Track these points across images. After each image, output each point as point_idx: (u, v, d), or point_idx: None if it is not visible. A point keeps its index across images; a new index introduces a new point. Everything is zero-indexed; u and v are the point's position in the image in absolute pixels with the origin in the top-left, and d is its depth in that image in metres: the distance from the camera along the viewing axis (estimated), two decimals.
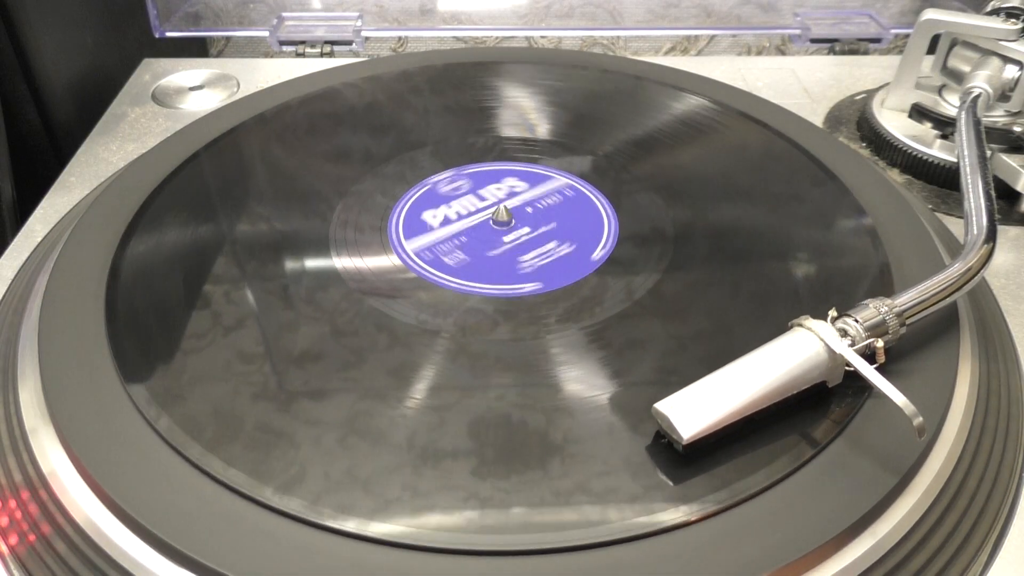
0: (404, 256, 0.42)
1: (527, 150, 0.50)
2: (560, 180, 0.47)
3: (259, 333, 0.37)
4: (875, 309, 0.33)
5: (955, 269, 0.36)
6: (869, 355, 0.33)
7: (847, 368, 0.33)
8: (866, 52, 0.69)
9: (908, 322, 0.34)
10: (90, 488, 0.31)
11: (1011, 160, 0.48)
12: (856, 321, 0.33)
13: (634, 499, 0.30)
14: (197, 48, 0.86)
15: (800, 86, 0.63)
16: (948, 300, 0.35)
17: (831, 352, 0.32)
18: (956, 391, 0.35)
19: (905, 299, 0.34)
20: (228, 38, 0.91)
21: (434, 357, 0.36)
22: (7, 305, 0.42)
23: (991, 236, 0.38)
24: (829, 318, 0.33)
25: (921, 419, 0.30)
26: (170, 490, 0.30)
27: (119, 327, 0.37)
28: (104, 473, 0.31)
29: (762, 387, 0.32)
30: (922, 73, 0.55)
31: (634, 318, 0.38)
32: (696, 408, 0.31)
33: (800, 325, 0.33)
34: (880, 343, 0.33)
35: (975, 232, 0.39)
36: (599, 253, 0.42)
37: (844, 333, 0.33)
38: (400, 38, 0.92)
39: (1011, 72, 0.50)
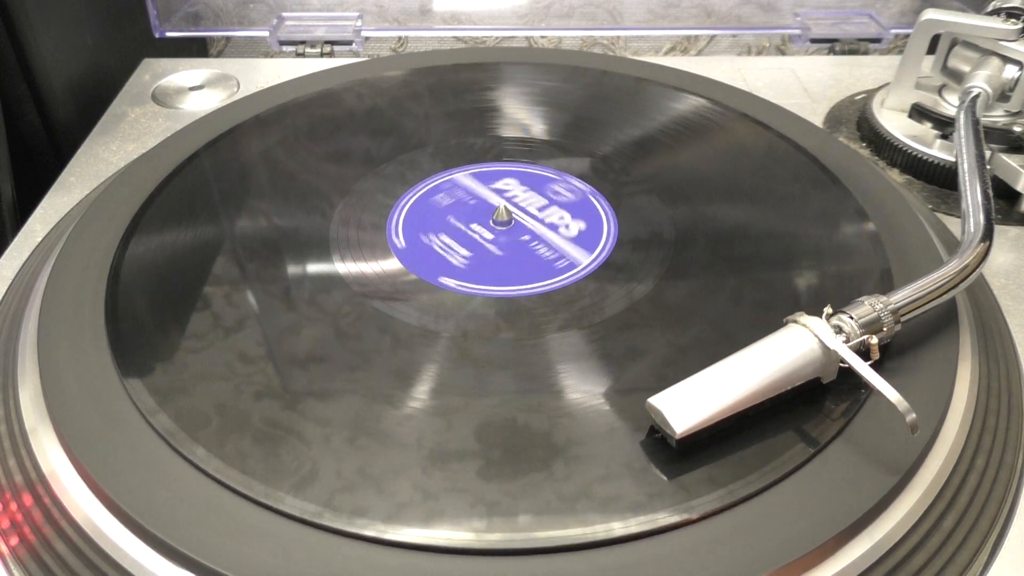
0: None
1: (526, 151, 0.50)
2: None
3: (260, 334, 0.37)
4: (870, 306, 0.34)
5: (951, 267, 0.36)
6: (864, 352, 0.33)
7: (841, 365, 0.33)
8: (866, 52, 0.69)
9: (904, 319, 0.34)
10: (90, 488, 0.32)
11: (1011, 160, 0.48)
12: (851, 318, 0.33)
13: (635, 499, 0.30)
14: (197, 48, 0.86)
15: (800, 86, 0.63)
16: (944, 297, 0.35)
17: (825, 348, 0.32)
18: (956, 390, 0.35)
19: (900, 296, 0.34)
20: (228, 38, 0.91)
21: (435, 359, 0.36)
22: (7, 305, 0.42)
23: (988, 234, 0.38)
24: (824, 314, 0.33)
25: (914, 416, 0.30)
26: (170, 490, 0.31)
27: (119, 327, 0.37)
28: (104, 473, 0.31)
29: (756, 383, 0.32)
30: (922, 73, 0.55)
31: (636, 320, 0.38)
32: (689, 403, 0.31)
33: (795, 321, 0.33)
34: (875, 340, 0.33)
35: (972, 230, 0.39)
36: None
37: (839, 330, 0.33)
38: (400, 38, 0.92)
39: (1011, 72, 0.50)
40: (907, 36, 0.56)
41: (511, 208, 0.45)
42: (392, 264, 0.42)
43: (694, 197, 0.46)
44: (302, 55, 0.69)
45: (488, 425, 0.33)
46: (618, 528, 0.29)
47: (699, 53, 0.94)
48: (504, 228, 0.44)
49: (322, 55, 0.69)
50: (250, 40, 0.92)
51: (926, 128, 0.53)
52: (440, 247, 0.42)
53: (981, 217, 0.39)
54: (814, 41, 0.70)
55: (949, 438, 0.33)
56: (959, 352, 0.36)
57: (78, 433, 0.33)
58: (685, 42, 0.94)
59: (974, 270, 0.36)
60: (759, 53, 0.95)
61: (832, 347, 0.32)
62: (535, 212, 0.45)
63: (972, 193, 0.41)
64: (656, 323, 0.38)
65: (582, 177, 0.48)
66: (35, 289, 0.41)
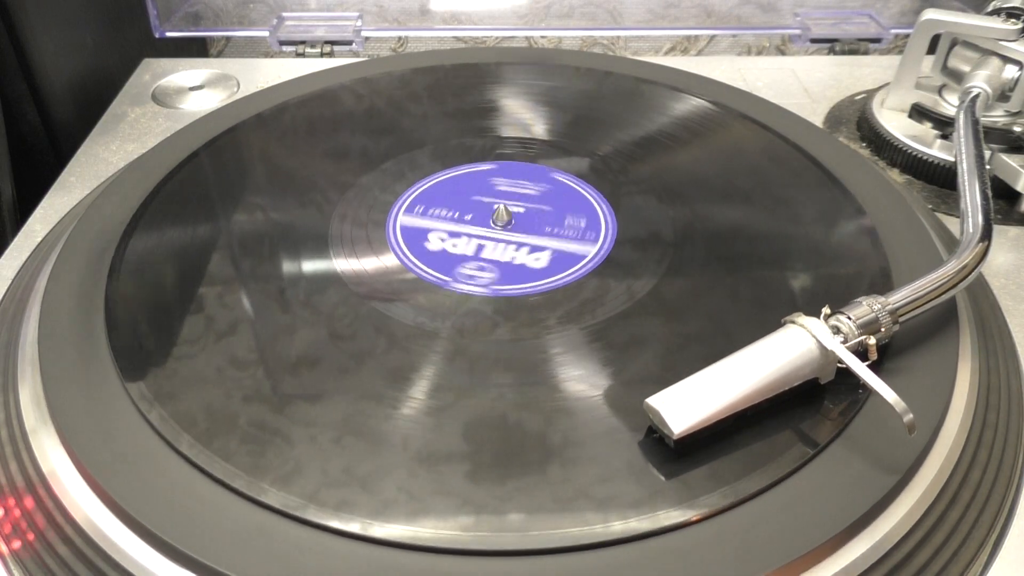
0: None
1: (526, 150, 0.50)
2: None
3: (260, 334, 0.37)
4: (868, 307, 0.34)
5: (950, 267, 0.36)
6: (862, 352, 0.33)
7: (839, 365, 0.33)
8: (866, 52, 0.69)
9: (902, 320, 0.34)
10: (90, 488, 0.32)
11: (1011, 160, 0.48)
12: (849, 318, 0.33)
13: (634, 499, 0.30)
14: (197, 48, 0.86)
15: (800, 86, 0.63)
16: (942, 298, 0.35)
17: (823, 349, 0.32)
18: (956, 390, 0.35)
19: (899, 297, 0.34)
20: (228, 38, 0.91)
21: (433, 358, 0.36)
22: (7, 305, 0.42)
23: (987, 234, 0.38)
24: (822, 315, 0.33)
25: (911, 416, 0.30)
26: (170, 490, 0.31)
27: (119, 327, 0.37)
28: (104, 473, 0.31)
29: (753, 383, 0.32)
30: (922, 73, 0.55)
31: (634, 319, 0.38)
32: (687, 403, 0.31)
33: (793, 322, 0.33)
34: (873, 340, 0.33)
35: (970, 230, 0.39)
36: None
37: (837, 330, 0.33)
38: (400, 38, 0.92)
39: (1011, 72, 0.50)
40: (907, 36, 0.56)
41: (511, 208, 0.45)
42: (391, 262, 0.42)
43: (694, 197, 0.46)
44: (302, 55, 0.69)
45: (483, 424, 0.33)
46: (615, 528, 0.29)
47: (699, 53, 0.94)
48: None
49: (322, 55, 0.69)
50: (250, 40, 0.92)
51: (926, 128, 0.53)
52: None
53: (980, 217, 0.39)
54: (814, 41, 0.70)
55: (949, 438, 0.33)
56: (959, 352, 0.36)
57: (78, 433, 0.33)
58: (685, 42, 0.94)
59: (972, 270, 0.36)
60: (759, 53, 0.95)
61: (830, 348, 0.32)
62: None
63: (971, 193, 0.41)
64: (654, 323, 0.38)
65: (581, 177, 0.48)
66: (35, 289, 0.41)
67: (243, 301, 0.39)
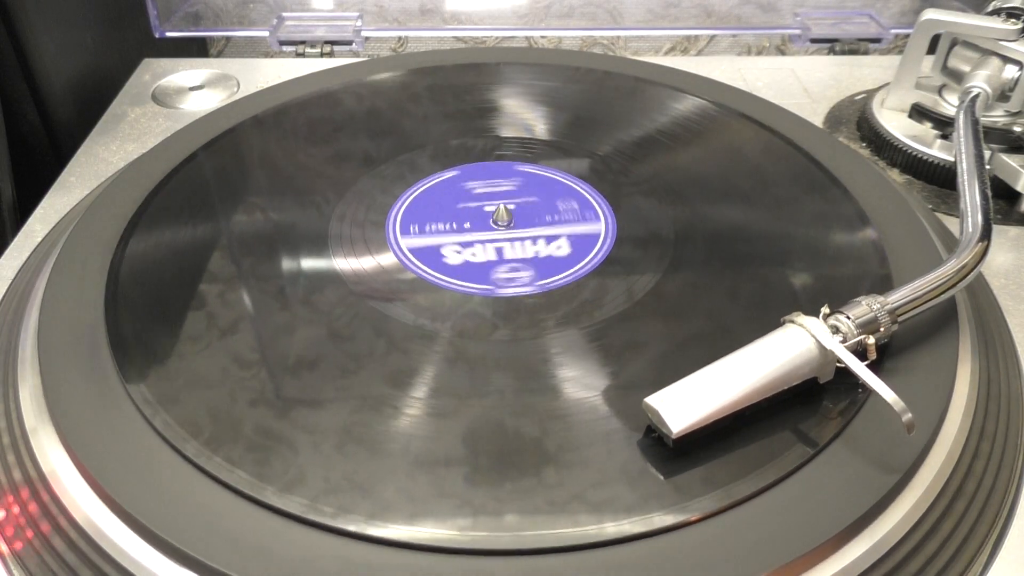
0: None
1: (526, 151, 0.50)
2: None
3: (259, 334, 0.37)
4: (867, 306, 0.34)
5: (949, 266, 0.36)
6: (861, 352, 0.33)
7: (839, 365, 0.33)
8: (866, 52, 0.69)
9: (901, 319, 0.34)
10: (90, 488, 0.32)
11: (1011, 160, 0.48)
12: (848, 318, 0.33)
13: (633, 499, 0.30)
14: (197, 48, 0.86)
15: (800, 86, 0.63)
16: (941, 297, 0.35)
17: (822, 348, 0.32)
18: (955, 390, 0.35)
19: (898, 296, 0.34)
20: (228, 38, 0.91)
21: (431, 360, 0.36)
22: (7, 305, 0.42)
23: (986, 234, 0.38)
24: (821, 314, 0.33)
25: (910, 415, 0.30)
26: (170, 490, 0.31)
27: (119, 327, 0.37)
28: (104, 473, 0.31)
29: (752, 383, 0.32)
30: (922, 73, 0.55)
31: (633, 321, 0.38)
32: (686, 402, 0.31)
33: (792, 321, 0.33)
34: (872, 340, 0.33)
35: (970, 230, 0.39)
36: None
37: (836, 330, 0.33)
38: (400, 38, 0.92)
39: (1011, 72, 0.50)
40: (907, 36, 0.56)
41: (512, 209, 0.45)
42: (390, 263, 0.42)
43: (694, 197, 0.46)
44: (302, 55, 0.69)
45: (481, 427, 0.33)
46: (614, 528, 0.29)
47: (699, 53, 0.94)
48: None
49: (322, 55, 0.69)
50: (250, 40, 0.92)
51: (926, 128, 0.53)
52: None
53: (980, 217, 0.39)
54: (814, 41, 0.70)
55: (949, 438, 0.33)
56: (959, 352, 0.36)
57: (78, 433, 0.33)
58: (685, 42, 0.94)
59: (972, 270, 0.36)
60: (759, 53, 0.95)
61: (829, 347, 0.32)
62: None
63: (971, 193, 0.41)
64: (654, 324, 0.38)
65: (582, 177, 0.48)
66: (35, 289, 0.41)
67: (244, 302, 0.39)
